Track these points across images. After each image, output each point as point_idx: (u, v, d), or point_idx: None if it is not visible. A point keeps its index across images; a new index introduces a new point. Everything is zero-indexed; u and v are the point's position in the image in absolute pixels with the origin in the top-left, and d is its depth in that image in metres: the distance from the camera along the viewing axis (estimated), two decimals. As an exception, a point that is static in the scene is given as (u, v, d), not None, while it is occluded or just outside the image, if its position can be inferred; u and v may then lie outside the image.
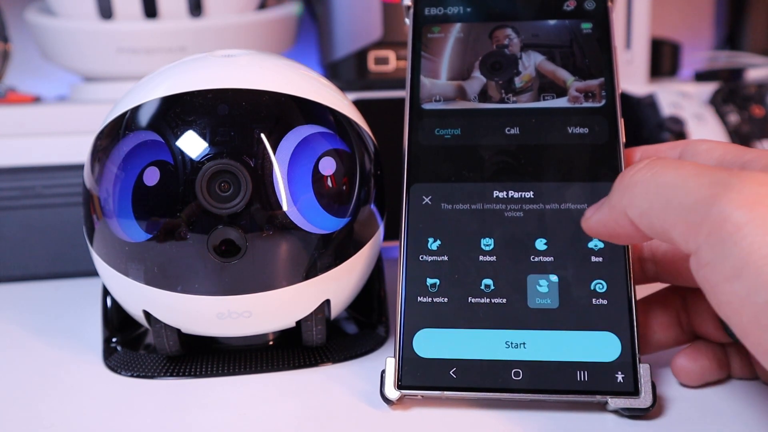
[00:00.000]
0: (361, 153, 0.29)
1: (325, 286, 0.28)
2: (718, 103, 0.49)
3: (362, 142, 0.30)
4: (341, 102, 0.30)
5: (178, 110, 0.27)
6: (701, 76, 0.56)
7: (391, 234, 0.34)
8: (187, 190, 0.26)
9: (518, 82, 0.30)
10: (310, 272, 0.28)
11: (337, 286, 0.29)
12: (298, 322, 0.29)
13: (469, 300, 0.26)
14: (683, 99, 0.48)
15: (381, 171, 0.30)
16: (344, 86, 0.42)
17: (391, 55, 0.48)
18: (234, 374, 0.29)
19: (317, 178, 0.27)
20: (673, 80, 0.57)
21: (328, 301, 0.29)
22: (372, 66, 0.48)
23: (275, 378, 0.29)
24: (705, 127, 0.47)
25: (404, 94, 0.43)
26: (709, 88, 0.51)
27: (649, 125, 0.46)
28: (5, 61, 0.49)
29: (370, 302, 0.33)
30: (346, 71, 0.49)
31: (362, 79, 0.48)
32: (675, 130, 0.45)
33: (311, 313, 0.29)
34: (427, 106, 0.30)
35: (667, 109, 0.47)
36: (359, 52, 0.48)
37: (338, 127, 0.29)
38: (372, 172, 0.30)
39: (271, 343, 0.32)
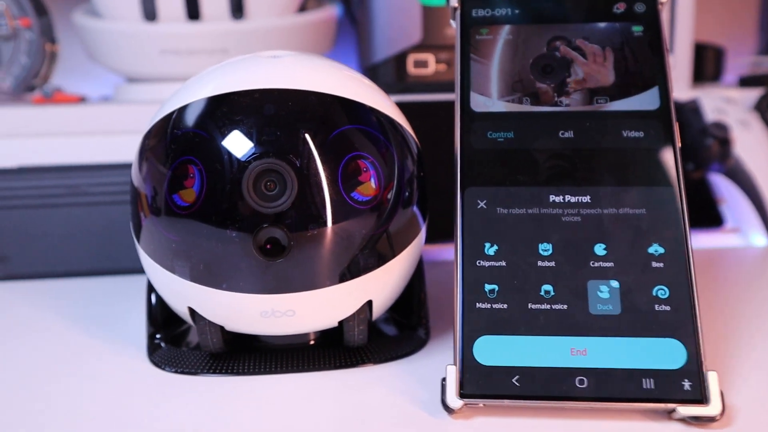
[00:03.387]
0: (405, 154, 0.29)
1: (367, 286, 0.29)
2: (763, 109, 0.48)
3: (405, 144, 0.30)
4: (385, 103, 0.30)
5: (225, 110, 0.27)
6: (745, 82, 0.56)
7: (432, 236, 0.34)
8: (233, 189, 0.26)
9: (570, 84, 0.30)
10: (353, 272, 0.28)
11: (380, 286, 0.29)
12: (341, 322, 0.30)
13: (529, 306, 0.26)
14: (727, 104, 0.47)
15: (424, 173, 0.30)
16: (383, 89, 0.42)
17: (430, 58, 0.48)
18: (276, 372, 0.29)
19: (361, 178, 0.27)
20: (717, 85, 0.57)
21: (370, 302, 0.29)
22: (411, 69, 0.48)
23: (316, 377, 0.29)
24: (750, 133, 0.46)
25: (444, 96, 0.44)
26: (753, 94, 0.50)
27: (692, 131, 0.46)
28: (53, 62, 0.50)
29: (410, 304, 0.33)
30: (385, 74, 0.49)
31: (401, 82, 0.48)
32: (719, 136, 0.45)
33: (354, 314, 0.29)
34: (479, 110, 0.30)
35: (710, 114, 0.46)
36: (398, 56, 0.48)
37: (382, 128, 0.29)
38: (415, 174, 0.30)
39: (312, 342, 0.32)
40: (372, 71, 0.51)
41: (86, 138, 0.44)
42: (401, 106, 0.32)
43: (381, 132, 0.29)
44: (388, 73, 0.49)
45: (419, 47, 0.48)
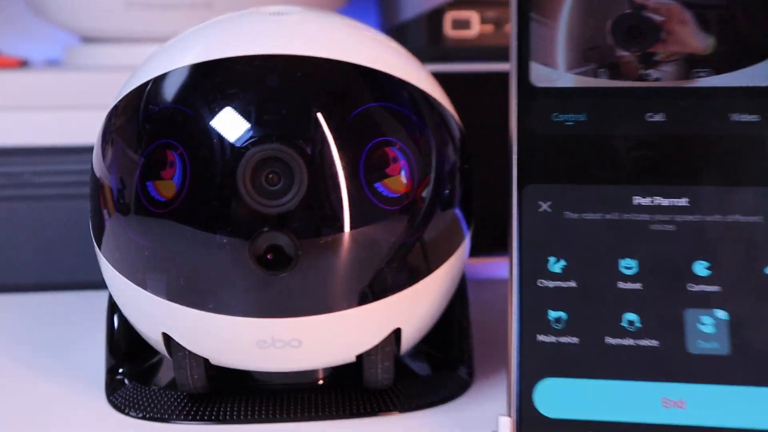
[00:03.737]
0: (445, 140, 0.29)
1: (395, 310, 0.29)
2: None
3: (446, 127, 0.30)
4: (419, 74, 0.30)
5: (216, 81, 0.28)
6: None
7: (478, 247, 0.34)
8: (225, 182, 0.27)
9: (662, 52, 0.30)
10: (378, 292, 0.28)
11: (411, 311, 0.29)
12: (359, 357, 0.30)
13: (607, 341, 0.26)
14: None
15: (469, 164, 0.31)
16: (415, 55, 0.42)
17: (473, 16, 0.48)
18: (274, 421, 0.30)
19: (389, 170, 0.28)
20: None
21: (398, 331, 0.29)
22: (449, 30, 0.48)
23: (326, 428, 0.29)
24: None
25: (493, 66, 0.44)
26: None
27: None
28: (-14, 16, 0.51)
29: (448, 334, 0.34)
30: (414, 37, 0.49)
31: (436, 47, 0.48)
32: None
33: (377, 346, 0.29)
34: (541, 84, 0.30)
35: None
36: (432, 13, 0.49)
37: (416, 106, 0.29)
38: (457, 166, 0.30)
39: (320, 382, 0.32)
40: (398, 33, 0.51)
41: (30, 113, 0.45)
42: (436, 78, 0.32)
43: (415, 111, 0.29)
44: (419, 36, 0.49)
45: (459, 2, 0.48)
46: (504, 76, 0.30)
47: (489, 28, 0.48)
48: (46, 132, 0.44)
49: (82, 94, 0.45)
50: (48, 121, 0.44)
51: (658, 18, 0.30)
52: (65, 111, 0.45)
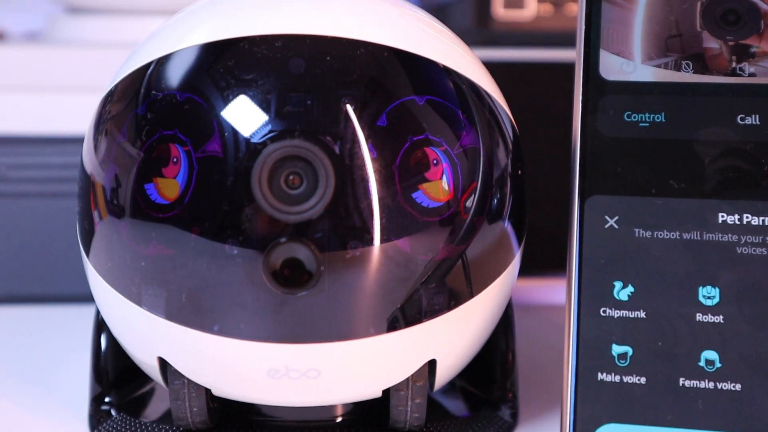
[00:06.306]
0: (495, 142, 0.30)
1: (430, 339, 0.29)
2: None
3: (497, 125, 0.30)
4: (469, 62, 0.31)
5: (230, 64, 0.28)
6: None
7: (529, 268, 0.34)
8: (237, 183, 0.27)
9: (760, 44, 0.30)
10: (410, 317, 0.28)
11: (448, 340, 0.29)
12: (386, 392, 0.30)
13: (681, 383, 0.26)
14: None
15: (522, 170, 0.31)
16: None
17: (529, -6, 0.49)
18: (284, 464, 0.30)
19: (429, 175, 0.28)
20: None
21: (432, 363, 0.30)
22: (499, 11, 0.48)
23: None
24: None
25: (552, 54, 0.44)
26: None
27: None
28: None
29: (490, 368, 0.34)
30: (458, 18, 0.50)
31: (483, 30, 0.48)
32: None
33: (407, 379, 0.29)
34: (613, 78, 0.30)
35: None
36: (480, -10, 0.49)
37: (462, 99, 0.29)
38: (509, 171, 0.30)
39: (339, 420, 0.32)
40: (439, 13, 0.51)
41: (5, 95, 0.45)
42: (485, 66, 0.32)
43: (462, 106, 0.29)
44: (465, 16, 0.49)
45: (512, -23, 0.48)
46: (566, 67, 0.30)
47: (547, 8, 0.48)
48: (24, 118, 0.44)
49: (68, 74, 0.45)
50: (27, 105, 0.44)
51: (763, 4, 0.30)
52: (48, 93, 0.45)
